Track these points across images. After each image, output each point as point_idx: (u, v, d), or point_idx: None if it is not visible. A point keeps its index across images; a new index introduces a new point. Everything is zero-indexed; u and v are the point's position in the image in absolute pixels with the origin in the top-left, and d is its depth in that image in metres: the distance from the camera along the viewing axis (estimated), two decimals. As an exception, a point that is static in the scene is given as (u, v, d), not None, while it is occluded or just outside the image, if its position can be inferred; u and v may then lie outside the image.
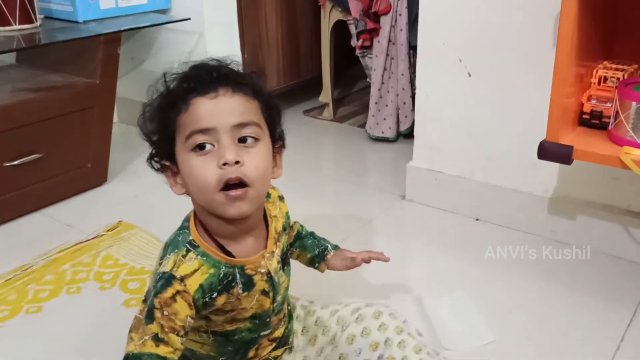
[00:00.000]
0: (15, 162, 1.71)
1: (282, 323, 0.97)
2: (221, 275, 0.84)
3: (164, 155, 0.87)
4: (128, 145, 2.25)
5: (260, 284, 0.89)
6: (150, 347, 0.80)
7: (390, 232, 1.69)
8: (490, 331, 1.26)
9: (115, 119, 2.06)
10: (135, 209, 1.83)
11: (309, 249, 1.11)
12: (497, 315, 1.32)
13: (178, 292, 0.81)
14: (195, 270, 0.83)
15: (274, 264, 0.91)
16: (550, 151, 1.17)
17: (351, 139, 2.38)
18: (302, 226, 1.13)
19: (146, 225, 1.68)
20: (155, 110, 0.86)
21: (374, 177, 2.09)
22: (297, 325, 1.04)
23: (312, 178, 2.04)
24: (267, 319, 0.92)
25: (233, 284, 0.85)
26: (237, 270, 0.86)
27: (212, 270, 0.84)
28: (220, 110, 0.81)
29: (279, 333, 0.97)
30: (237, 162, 0.80)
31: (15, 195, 1.75)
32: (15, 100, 1.71)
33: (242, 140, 0.82)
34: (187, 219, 0.90)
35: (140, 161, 2.13)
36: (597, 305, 1.34)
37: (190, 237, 0.86)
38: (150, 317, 0.81)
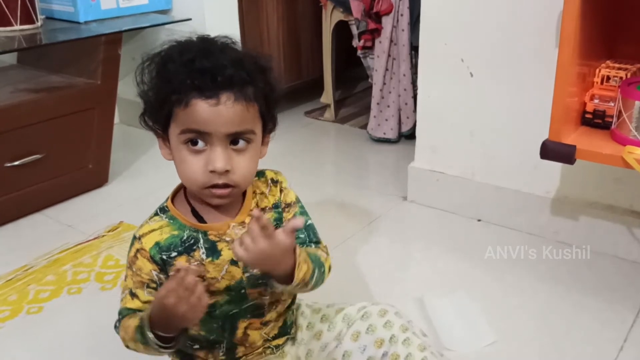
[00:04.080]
0: (16, 163, 1.71)
1: (273, 307, 0.97)
2: (184, 238, 0.91)
3: (156, 124, 0.89)
4: (129, 146, 2.23)
5: (227, 252, 0.91)
6: (128, 301, 0.91)
7: (391, 233, 1.68)
8: (492, 332, 1.25)
9: (116, 119, 2.05)
10: (136, 209, 1.82)
11: None
12: (499, 315, 1.31)
13: (138, 250, 0.90)
14: (153, 230, 0.91)
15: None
16: (553, 151, 1.17)
17: (353, 140, 2.38)
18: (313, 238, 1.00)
19: (147, 226, 1.68)
20: (154, 87, 0.87)
21: (375, 178, 2.09)
22: (302, 321, 1.05)
23: (314, 179, 2.03)
24: (242, 290, 0.93)
25: (195, 247, 0.90)
26: (200, 235, 0.91)
27: (175, 232, 0.91)
28: (218, 118, 0.82)
29: (270, 317, 0.97)
30: (226, 171, 0.84)
31: (16, 196, 1.75)
32: (16, 101, 1.71)
33: (235, 142, 0.85)
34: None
35: (142, 162, 2.17)
36: (600, 306, 1.34)
37: (165, 204, 0.94)
38: (126, 274, 0.93)
